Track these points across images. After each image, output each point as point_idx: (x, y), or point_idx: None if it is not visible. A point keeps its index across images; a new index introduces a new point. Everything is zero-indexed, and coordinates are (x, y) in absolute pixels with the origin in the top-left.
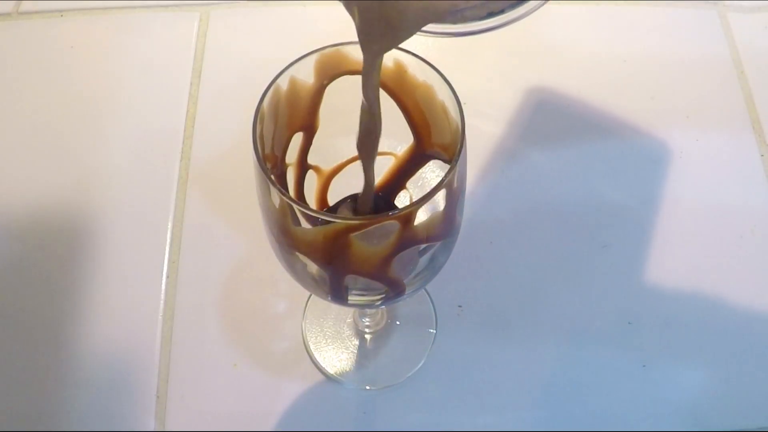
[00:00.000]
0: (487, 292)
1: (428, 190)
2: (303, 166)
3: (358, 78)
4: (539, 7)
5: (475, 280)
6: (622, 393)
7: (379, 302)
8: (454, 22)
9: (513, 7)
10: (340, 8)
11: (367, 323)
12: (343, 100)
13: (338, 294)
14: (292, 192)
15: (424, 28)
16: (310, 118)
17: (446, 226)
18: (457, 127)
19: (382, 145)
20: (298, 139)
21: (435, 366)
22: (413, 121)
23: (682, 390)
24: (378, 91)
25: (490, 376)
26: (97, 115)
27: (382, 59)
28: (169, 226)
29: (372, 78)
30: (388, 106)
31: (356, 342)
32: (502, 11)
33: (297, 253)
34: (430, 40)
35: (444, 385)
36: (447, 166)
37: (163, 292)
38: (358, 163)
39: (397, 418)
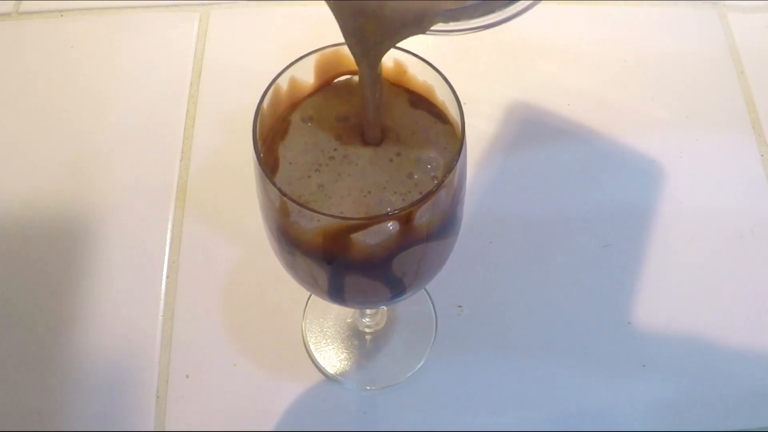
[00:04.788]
0: (487, 292)
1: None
2: None
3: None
4: (533, 6)
5: (475, 280)
6: (622, 393)
7: (379, 302)
8: (446, 21)
9: (505, 6)
10: None
11: (367, 323)
12: None
13: (338, 294)
14: None
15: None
16: None
17: (446, 225)
18: (457, 127)
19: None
20: None
21: (435, 366)
22: None
23: (682, 390)
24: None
25: (490, 375)
26: (96, 114)
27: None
28: (169, 226)
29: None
30: None
31: (356, 342)
32: (493, 11)
33: (297, 253)
34: (430, 40)
35: (444, 385)
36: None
37: (163, 292)
38: None
39: (397, 418)
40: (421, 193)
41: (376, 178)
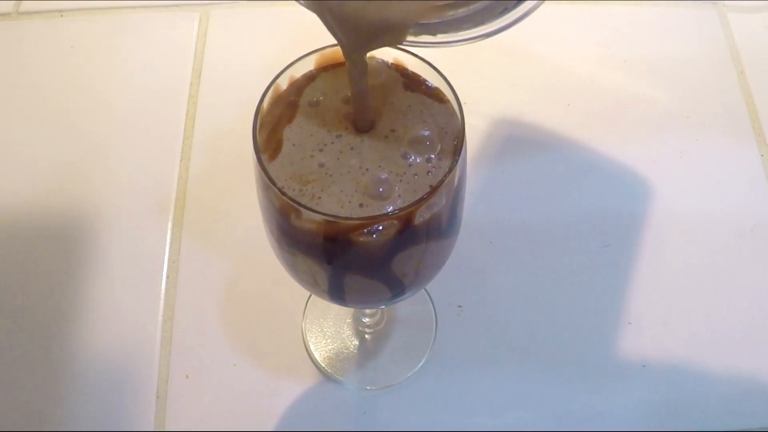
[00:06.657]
0: (487, 292)
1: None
2: None
3: None
4: (525, 17)
5: (475, 280)
6: (622, 393)
7: (379, 302)
8: (433, 34)
9: (495, 18)
10: None
11: (367, 323)
12: None
13: (338, 294)
14: None
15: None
16: None
17: (446, 225)
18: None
19: None
20: None
21: (435, 366)
22: None
23: (682, 390)
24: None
25: (490, 375)
26: (96, 114)
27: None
28: (169, 225)
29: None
30: None
31: (356, 342)
32: (483, 22)
33: (297, 253)
34: None
35: (444, 385)
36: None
37: (163, 292)
38: None
39: (397, 418)
40: (416, 175)
41: (374, 156)
